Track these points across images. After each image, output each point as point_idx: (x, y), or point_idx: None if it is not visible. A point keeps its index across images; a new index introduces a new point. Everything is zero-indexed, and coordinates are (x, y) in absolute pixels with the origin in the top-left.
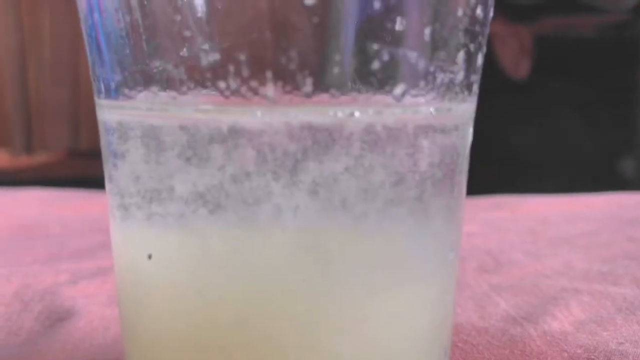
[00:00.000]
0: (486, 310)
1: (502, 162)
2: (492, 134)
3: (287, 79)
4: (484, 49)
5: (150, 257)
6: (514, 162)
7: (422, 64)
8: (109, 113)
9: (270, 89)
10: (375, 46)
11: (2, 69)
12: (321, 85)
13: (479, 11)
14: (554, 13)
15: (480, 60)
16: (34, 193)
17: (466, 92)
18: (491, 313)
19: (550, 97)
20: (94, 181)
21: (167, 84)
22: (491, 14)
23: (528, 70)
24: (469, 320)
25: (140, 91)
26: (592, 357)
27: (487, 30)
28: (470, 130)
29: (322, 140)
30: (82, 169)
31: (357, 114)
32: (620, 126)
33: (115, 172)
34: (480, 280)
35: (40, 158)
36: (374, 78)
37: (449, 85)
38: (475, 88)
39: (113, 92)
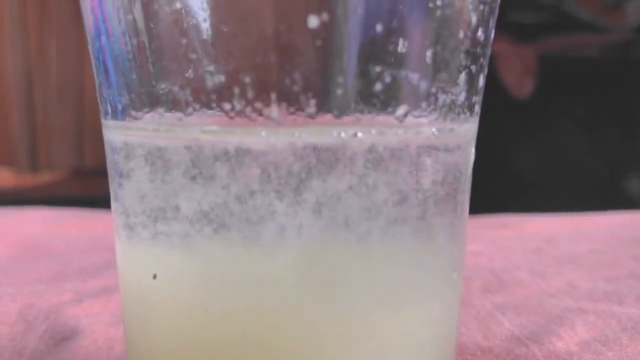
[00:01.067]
0: (490, 329)
1: (505, 181)
2: (496, 153)
3: (291, 101)
4: (486, 70)
5: (155, 276)
6: (518, 181)
7: (424, 86)
8: (115, 134)
9: (274, 110)
10: (377, 68)
11: (9, 89)
12: (325, 106)
13: (480, 33)
14: (558, 32)
15: (482, 81)
16: (39, 212)
17: (468, 113)
18: (495, 333)
19: (554, 116)
20: (99, 200)
21: (173, 105)
22: (492, 35)
23: (532, 90)
24: (473, 339)
25: (146, 112)
26: None
27: (488, 52)
28: (473, 149)
29: (326, 160)
30: (86, 188)
31: (360, 134)
32: (625, 145)
33: (121, 192)
34: (484, 299)
35: (45, 177)
36: (376, 99)
37: (451, 106)
38: (477, 108)
39: (120, 114)
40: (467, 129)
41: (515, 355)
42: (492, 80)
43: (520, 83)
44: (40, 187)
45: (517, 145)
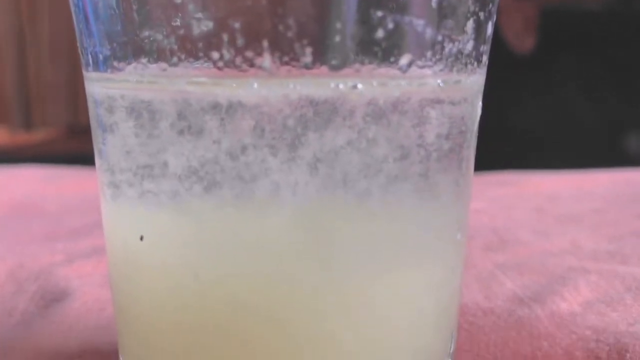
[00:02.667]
0: (492, 290)
1: (505, 138)
2: (495, 110)
3: (285, 49)
4: (494, 17)
5: (142, 238)
6: (517, 138)
7: (429, 33)
8: (97, 86)
9: (267, 60)
10: (379, 13)
11: (1, 47)
12: (321, 55)
13: None
14: None
15: (490, 29)
16: (31, 171)
17: (475, 63)
18: (497, 293)
19: (555, 71)
20: (94, 158)
21: (158, 55)
22: None
23: (532, 45)
24: (474, 300)
25: (129, 63)
26: (602, 338)
27: None
28: (480, 103)
29: (323, 114)
30: (81, 145)
31: (359, 86)
32: (626, 101)
33: (105, 148)
34: (485, 259)
35: (39, 135)
36: (378, 48)
37: (458, 56)
38: (485, 59)
39: (101, 65)
40: (475, 80)
41: (517, 316)
42: (492, 34)
43: (521, 38)
44: (34, 145)
45: (516, 101)
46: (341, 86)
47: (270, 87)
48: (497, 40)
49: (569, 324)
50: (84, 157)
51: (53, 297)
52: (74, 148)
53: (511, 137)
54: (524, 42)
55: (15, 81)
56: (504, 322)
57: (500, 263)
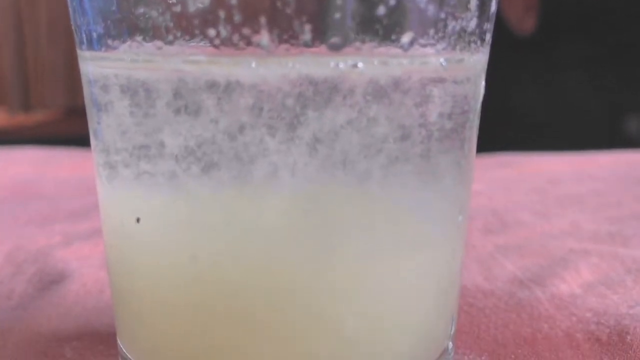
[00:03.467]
0: (492, 272)
1: (504, 119)
2: (495, 91)
3: (283, 27)
4: None
5: (138, 220)
6: (517, 119)
7: (431, 10)
8: (91, 65)
9: (265, 38)
10: None
11: None
12: (321, 33)
13: None
14: None
15: (494, 6)
16: (29, 152)
17: (479, 42)
18: (497, 275)
19: (556, 53)
20: None
21: (153, 33)
22: None
23: (533, 26)
24: (474, 282)
25: (123, 41)
26: (602, 321)
27: None
28: (483, 82)
29: (322, 94)
30: (79, 126)
31: (360, 65)
32: (626, 83)
33: (100, 127)
34: (485, 240)
35: (37, 116)
36: (379, 25)
37: (461, 34)
38: (489, 37)
39: (95, 43)
40: (478, 59)
41: (518, 298)
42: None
43: (522, 19)
44: (33, 126)
45: (516, 83)
46: (341, 65)
47: (269, 66)
48: (498, 22)
49: (570, 306)
50: (82, 139)
51: (51, 279)
52: (73, 129)
53: (510, 119)
54: (524, 23)
55: (13, 63)
56: (504, 304)
57: (500, 245)
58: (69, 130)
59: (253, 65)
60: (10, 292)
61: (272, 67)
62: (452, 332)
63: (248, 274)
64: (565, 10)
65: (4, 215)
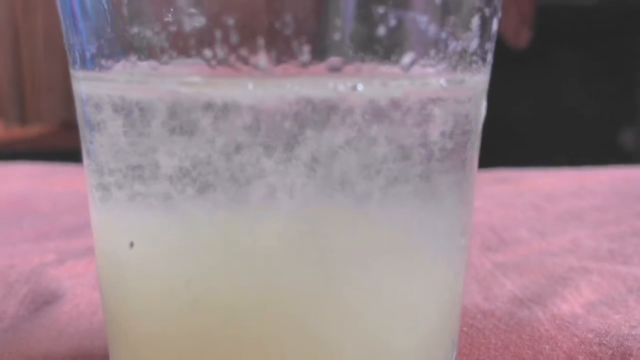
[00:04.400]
0: (491, 291)
1: (500, 133)
2: (490, 105)
3: (281, 47)
4: (500, 13)
5: (132, 245)
6: (512, 133)
7: (432, 30)
8: (85, 85)
9: (262, 58)
10: (380, 9)
11: None
12: (320, 54)
13: None
14: None
15: (495, 26)
16: (24, 168)
17: (480, 62)
18: (497, 294)
19: (551, 67)
20: None
21: (148, 53)
22: None
23: (528, 40)
24: (474, 301)
25: (117, 61)
26: (604, 341)
27: None
28: (484, 103)
29: (320, 114)
30: (76, 140)
31: (360, 87)
32: (622, 96)
33: (93, 147)
34: (483, 258)
35: (33, 130)
36: (378, 46)
37: (462, 54)
38: (490, 57)
39: (89, 62)
40: (479, 80)
41: (518, 318)
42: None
43: (517, 33)
44: (29, 140)
45: (512, 96)
46: (340, 87)
47: (266, 88)
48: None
49: (571, 326)
50: (78, 152)
51: (44, 300)
52: (69, 143)
53: (506, 133)
54: (520, 37)
55: (9, 76)
56: (504, 324)
57: (499, 263)
58: (66, 143)
59: (250, 86)
60: (2, 313)
61: (270, 88)
62: (453, 358)
63: (244, 299)
64: (560, 23)
65: None
